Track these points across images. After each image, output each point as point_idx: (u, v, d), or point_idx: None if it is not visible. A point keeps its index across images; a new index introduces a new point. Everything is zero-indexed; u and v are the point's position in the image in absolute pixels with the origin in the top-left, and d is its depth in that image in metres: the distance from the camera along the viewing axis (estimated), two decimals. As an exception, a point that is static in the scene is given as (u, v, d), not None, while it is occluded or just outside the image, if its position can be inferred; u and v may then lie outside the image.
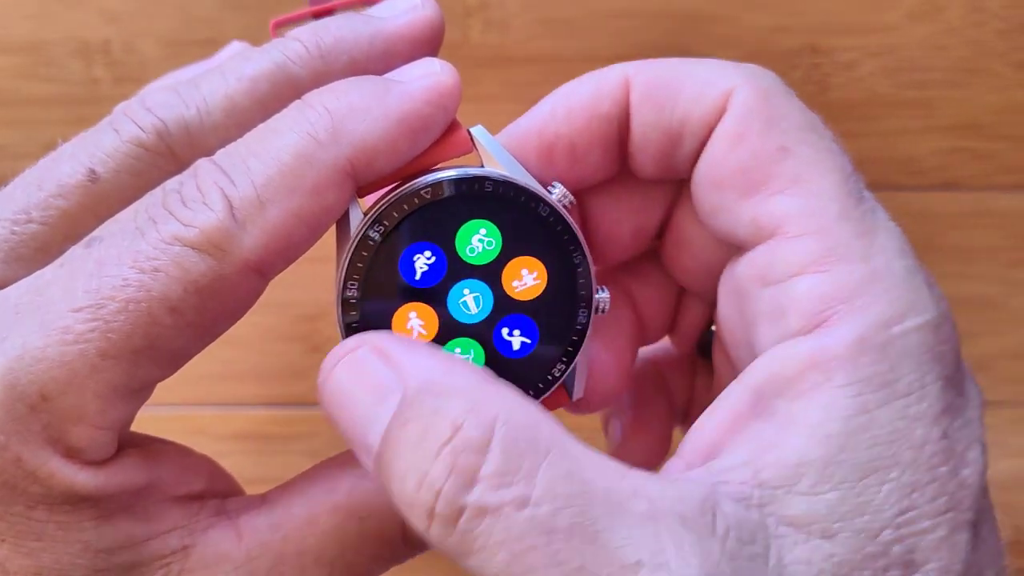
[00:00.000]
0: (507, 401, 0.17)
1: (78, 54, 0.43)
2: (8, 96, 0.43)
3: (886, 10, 0.44)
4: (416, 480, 0.17)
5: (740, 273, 0.21)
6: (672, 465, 0.20)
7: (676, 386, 0.28)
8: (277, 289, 0.44)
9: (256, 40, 0.22)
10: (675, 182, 0.23)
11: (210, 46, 0.39)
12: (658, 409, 0.27)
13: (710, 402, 0.20)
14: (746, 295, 0.21)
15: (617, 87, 0.21)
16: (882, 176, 0.46)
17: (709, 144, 0.21)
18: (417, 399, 0.17)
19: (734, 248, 0.21)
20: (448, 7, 0.43)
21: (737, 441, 0.19)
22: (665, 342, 0.27)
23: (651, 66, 0.21)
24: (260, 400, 0.46)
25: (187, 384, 0.44)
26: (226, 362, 0.45)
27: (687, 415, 0.28)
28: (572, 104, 0.22)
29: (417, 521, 0.17)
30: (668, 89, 0.21)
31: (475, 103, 0.45)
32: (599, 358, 0.24)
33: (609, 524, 0.16)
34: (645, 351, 0.28)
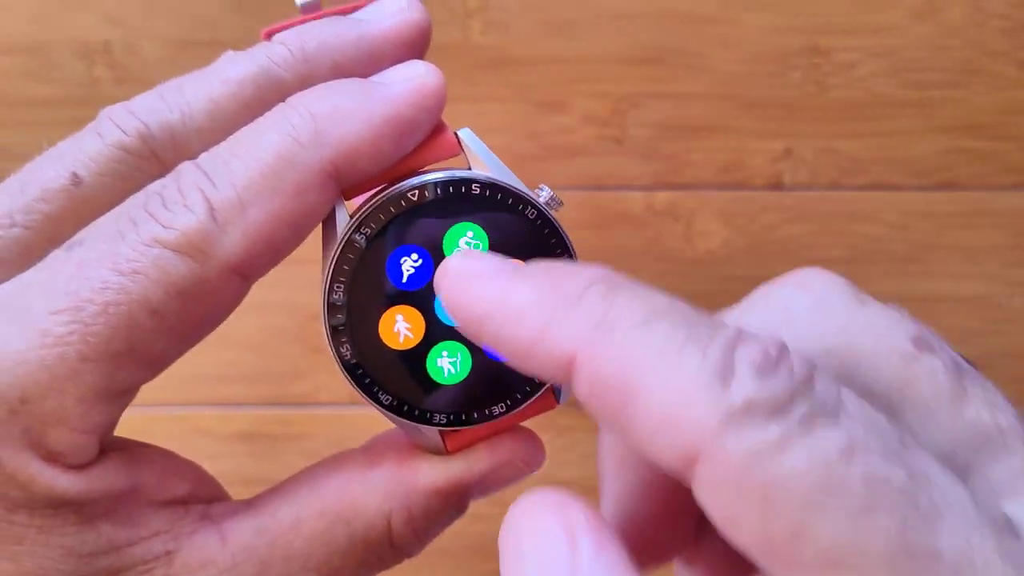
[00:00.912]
0: None
1: (80, 55, 0.43)
2: (10, 97, 0.44)
3: (886, 10, 0.44)
4: None
5: None
6: None
7: None
8: (278, 291, 0.44)
9: (257, 42, 0.22)
10: None
11: (211, 47, 0.39)
12: None
13: None
14: None
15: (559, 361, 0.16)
16: (883, 176, 0.46)
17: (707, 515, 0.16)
18: None
19: None
20: (449, 8, 0.43)
21: None
22: None
23: (607, 349, 0.16)
24: (260, 400, 0.46)
25: (188, 385, 0.45)
26: (227, 363, 0.45)
27: None
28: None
29: None
30: (621, 406, 0.15)
31: (475, 103, 0.45)
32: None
33: None
34: None
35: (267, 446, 0.46)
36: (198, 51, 0.43)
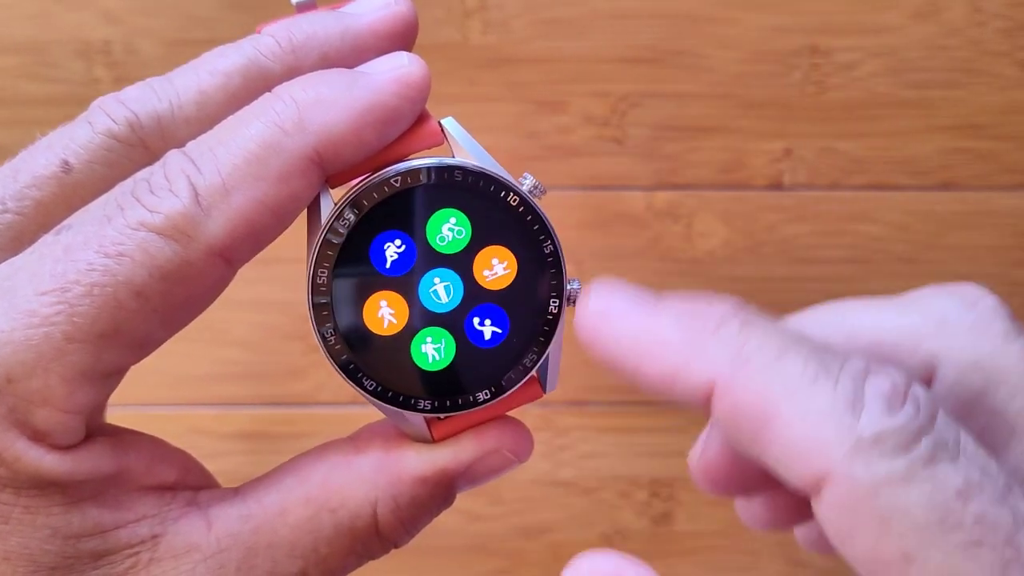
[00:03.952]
0: None
1: (79, 54, 0.43)
2: (9, 96, 0.44)
3: (886, 10, 0.44)
4: None
5: None
6: None
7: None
8: (276, 289, 0.44)
9: (251, 37, 0.22)
10: None
11: (210, 46, 0.39)
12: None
13: None
14: None
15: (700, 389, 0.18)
16: (883, 176, 0.46)
17: (821, 526, 0.17)
18: None
19: None
20: (448, 8, 0.43)
21: None
22: None
23: (745, 380, 0.17)
24: (260, 400, 0.46)
25: (187, 384, 0.45)
26: (226, 362, 0.45)
27: None
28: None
29: None
30: (757, 431, 0.17)
31: (475, 103, 0.45)
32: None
33: None
34: None
35: (267, 445, 0.46)
36: (197, 50, 0.43)
